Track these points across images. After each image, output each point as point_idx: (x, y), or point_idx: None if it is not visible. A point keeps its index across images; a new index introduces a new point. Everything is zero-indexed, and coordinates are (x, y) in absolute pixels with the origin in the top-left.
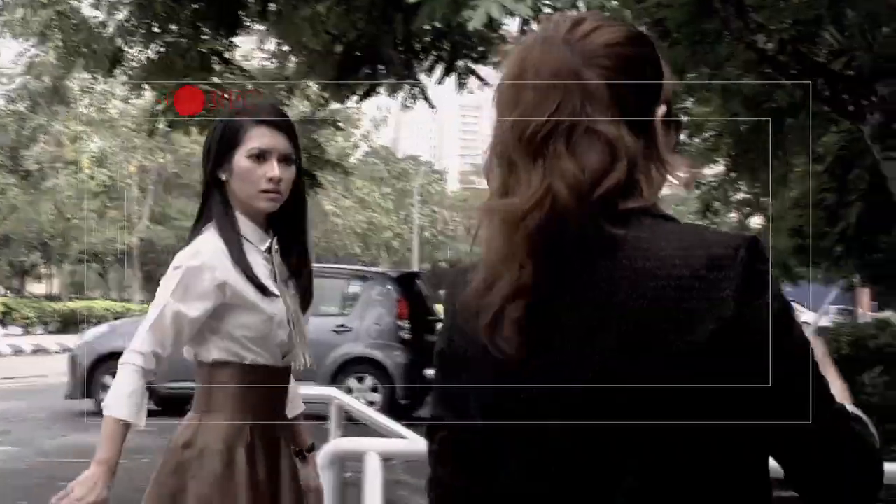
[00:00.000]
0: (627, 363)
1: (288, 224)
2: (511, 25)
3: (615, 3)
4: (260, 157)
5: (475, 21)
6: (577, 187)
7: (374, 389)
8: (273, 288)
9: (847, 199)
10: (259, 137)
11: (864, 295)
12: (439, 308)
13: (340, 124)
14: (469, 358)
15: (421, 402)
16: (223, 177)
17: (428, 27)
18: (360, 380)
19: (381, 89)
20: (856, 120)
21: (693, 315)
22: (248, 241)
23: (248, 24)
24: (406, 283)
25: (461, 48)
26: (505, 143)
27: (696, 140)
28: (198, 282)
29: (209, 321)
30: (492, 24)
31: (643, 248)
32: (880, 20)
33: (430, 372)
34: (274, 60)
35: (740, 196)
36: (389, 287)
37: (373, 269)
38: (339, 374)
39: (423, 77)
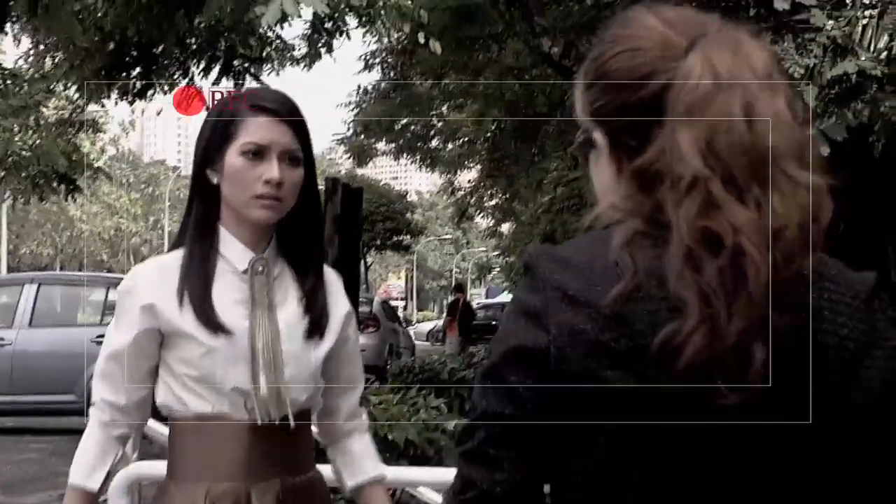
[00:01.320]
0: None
1: (296, 238)
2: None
3: (409, 2)
4: (256, 154)
5: (268, 16)
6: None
7: None
8: (229, 319)
9: None
10: (256, 130)
11: None
12: None
13: (100, 127)
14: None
15: None
16: (214, 179)
17: (205, 26)
18: None
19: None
20: None
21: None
22: (225, 259)
23: (15, 19)
24: None
25: (238, 48)
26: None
27: (450, 146)
28: (126, 306)
29: (162, 353)
30: (284, 19)
31: (835, 284)
32: None
33: None
34: (29, 58)
35: (494, 202)
36: None
37: None
38: None
39: (197, 78)
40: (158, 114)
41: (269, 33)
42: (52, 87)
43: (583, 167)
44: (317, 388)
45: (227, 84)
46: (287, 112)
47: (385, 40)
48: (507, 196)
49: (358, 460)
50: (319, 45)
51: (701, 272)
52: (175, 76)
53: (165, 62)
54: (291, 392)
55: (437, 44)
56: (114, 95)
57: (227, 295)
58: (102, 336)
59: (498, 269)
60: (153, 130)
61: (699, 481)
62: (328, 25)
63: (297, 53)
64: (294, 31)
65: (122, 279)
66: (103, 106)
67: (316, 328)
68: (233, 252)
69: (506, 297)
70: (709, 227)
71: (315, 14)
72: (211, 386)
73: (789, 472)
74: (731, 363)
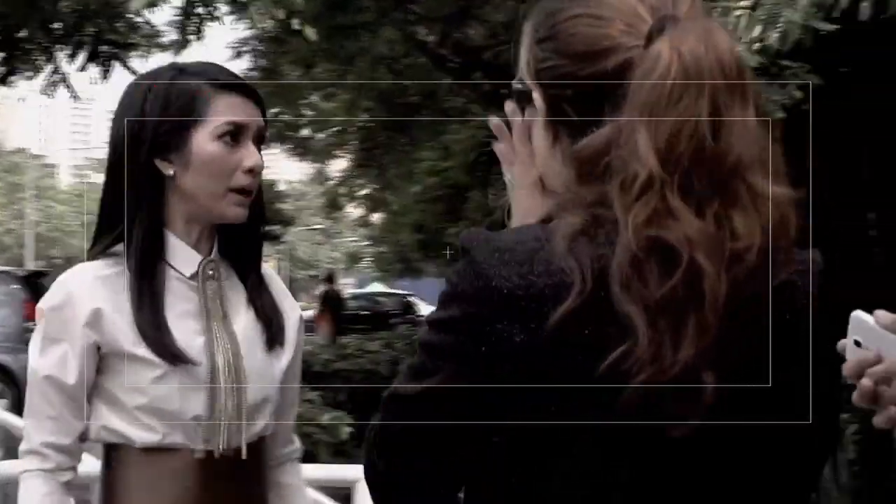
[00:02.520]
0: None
1: (240, 237)
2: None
3: None
4: (234, 137)
5: (136, 2)
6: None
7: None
8: (181, 336)
9: (495, 192)
10: (231, 108)
11: None
12: None
13: None
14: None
15: None
16: (170, 171)
17: (72, 10)
18: None
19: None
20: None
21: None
22: (169, 265)
23: None
24: (33, 282)
25: (106, 34)
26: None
27: (321, 135)
28: (60, 322)
29: (98, 380)
30: (154, 4)
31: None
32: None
33: None
34: None
35: (365, 192)
36: (15, 287)
37: None
38: None
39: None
40: (21, 100)
41: (139, 19)
42: None
43: (512, 121)
44: (275, 409)
45: (93, 71)
46: (252, 88)
47: (255, 28)
48: (379, 186)
49: (289, 495)
50: (190, 31)
51: (648, 285)
52: (39, 62)
53: (29, 48)
54: (254, 415)
55: (313, 31)
56: None
57: (176, 306)
58: None
59: (369, 259)
60: (13, 118)
61: (686, 482)
62: (200, 11)
63: (164, 40)
64: (164, 17)
65: None
66: None
67: (275, 338)
68: (177, 256)
69: (376, 287)
70: (661, 238)
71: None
72: (164, 415)
73: (780, 471)
74: (680, 391)
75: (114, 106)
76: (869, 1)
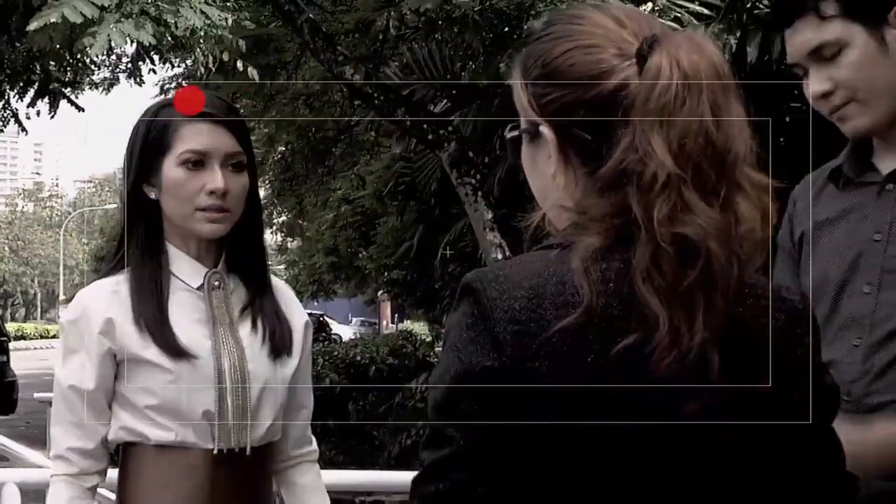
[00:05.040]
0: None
1: (244, 250)
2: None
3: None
4: (197, 163)
5: (96, 48)
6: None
7: None
8: (190, 340)
9: (409, 219)
10: (194, 137)
11: (387, 308)
12: None
13: None
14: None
15: None
16: (152, 195)
17: (24, 51)
18: None
19: None
20: (435, 148)
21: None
22: (177, 277)
23: None
24: None
25: (53, 73)
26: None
27: None
28: (77, 334)
29: (115, 385)
30: (111, 51)
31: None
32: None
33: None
34: None
35: (283, 219)
36: None
37: None
38: None
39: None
40: None
41: (88, 60)
42: None
43: (512, 159)
44: (282, 411)
45: (42, 106)
46: (224, 113)
47: (182, 67)
48: (294, 213)
49: (304, 495)
50: (144, 71)
51: (666, 277)
52: None
53: None
54: (259, 415)
55: (255, 71)
56: None
57: (185, 314)
58: None
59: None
60: None
61: (688, 480)
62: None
63: (95, 77)
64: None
65: None
66: None
67: (282, 345)
68: (183, 269)
69: None
70: (681, 233)
71: (139, 43)
72: (175, 414)
73: (788, 472)
74: (692, 370)
75: (38, 139)
76: (753, 46)
